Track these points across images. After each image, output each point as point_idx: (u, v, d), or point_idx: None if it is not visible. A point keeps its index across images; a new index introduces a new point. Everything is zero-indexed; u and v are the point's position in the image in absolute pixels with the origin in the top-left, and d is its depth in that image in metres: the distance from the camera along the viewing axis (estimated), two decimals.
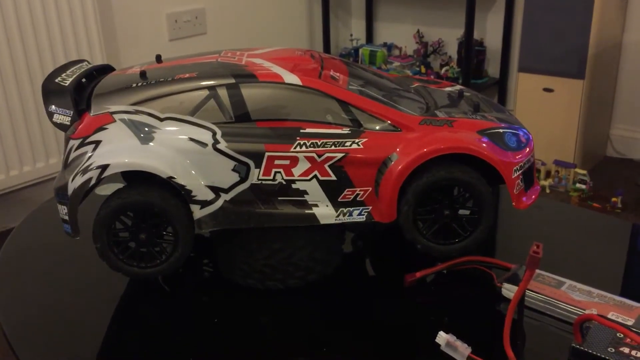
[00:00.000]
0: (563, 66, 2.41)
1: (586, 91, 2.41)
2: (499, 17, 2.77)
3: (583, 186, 2.38)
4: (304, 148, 0.72)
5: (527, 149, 0.77)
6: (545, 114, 2.50)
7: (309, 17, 3.15)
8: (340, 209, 0.75)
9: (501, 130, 0.76)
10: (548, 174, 2.51)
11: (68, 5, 2.11)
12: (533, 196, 0.78)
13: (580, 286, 0.74)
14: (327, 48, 3.13)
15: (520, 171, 0.75)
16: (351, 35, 3.26)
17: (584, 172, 2.40)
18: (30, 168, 2.15)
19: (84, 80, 0.78)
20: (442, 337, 0.64)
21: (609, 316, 0.68)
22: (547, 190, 2.44)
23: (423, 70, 2.92)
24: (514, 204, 0.76)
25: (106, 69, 0.84)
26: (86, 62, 0.84)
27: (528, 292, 0.72)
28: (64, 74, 0.78)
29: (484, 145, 0.73)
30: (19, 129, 2.09)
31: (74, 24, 2.14)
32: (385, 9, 3.16)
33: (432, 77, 2.81)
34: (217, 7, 2.70)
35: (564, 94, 2.45)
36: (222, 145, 0.72)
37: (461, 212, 0.75)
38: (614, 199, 2.30)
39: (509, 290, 0.75)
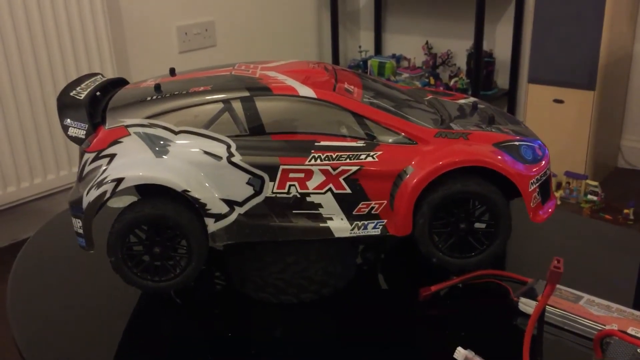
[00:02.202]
0: (573, 77, 2.40)
1: (597, 102, 2.40)
2: (508, 28, 2.77)
3: (594, 198, 2.36)
4: (318, 161, 0.72)
5: (543, 162, 0.76)
6: (555, 125, 2.49)
7: (317, 28, 3.16)
8: (355, 223, 0.75)
9: (517, 143, 0.75)
10: (559, 186, 2.50)
11: (79, 17, 2.13)
12: (550, 209, 0.77)
13: (598, 300, 0.73)
14: (335, 59, 3.13)
15: (536, 184, 0.74)
16: (360, 46, 3.26)
17: (596, 183, 2.38)
18: (40, 180, 2.16)
19: (98, 93, 0.78)
20: (460, 353, 0.63)
21: (629, 331, 0.67)
22: (559, 202, 2.42)
23: (432, 81, 2.92)
24: (530, 217, 0.75)
25: (120, 82, 0.84)
26: (100, 76, 0.84)
27: (546, 307, 0.71)
28: (79, 87, 0.78)
29: (500, 158, 0.72)
30: (30, 141, 2.10)
31: (85, 36, 2.16)
32: (394, 20, 3.17)
33: (441, 88, 2.81)
34: (227, 20, 2.71)
35: (574, 105, 2.44)
36: (237, 159, 0.72)
37: (477, 225, 0.75)
38: (625, 211, 2.28)
39: (525, 305, 0.74)
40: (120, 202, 0.77)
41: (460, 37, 2.95)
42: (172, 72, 0.82)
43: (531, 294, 0.74)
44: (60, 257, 0.91)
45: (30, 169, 2.12)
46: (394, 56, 3.12)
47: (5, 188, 2.08)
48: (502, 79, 2.87)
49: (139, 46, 2.43)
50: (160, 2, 2.45)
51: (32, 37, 2.03)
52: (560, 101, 2.47)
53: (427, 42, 3.04)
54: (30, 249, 0.95)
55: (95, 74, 0.84)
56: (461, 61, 2.95)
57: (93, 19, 2.16)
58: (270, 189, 0.73)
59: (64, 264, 0.89)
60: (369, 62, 3.03)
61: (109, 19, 2.22)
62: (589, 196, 2.37)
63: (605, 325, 0.68)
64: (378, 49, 3.23)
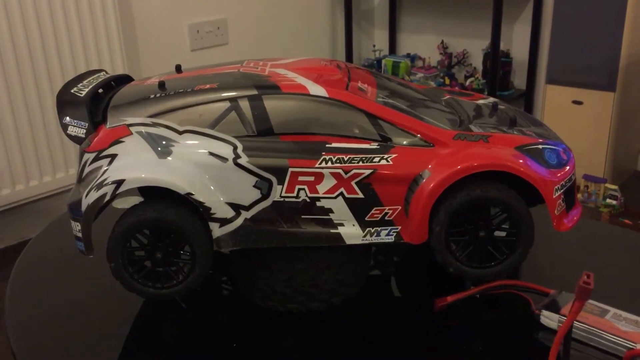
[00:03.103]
0: (593, 78, 2.34)
1: (617, 104, 2.34)
2: (526, 27, 2.71)
3: (614, 202, 2.30)
4: (329, 164, 0.68)
5: (568, 167, 0.72)
6: (574, 127, 2.44)
7: (331, 27, 3.12)
8: (368, 229, 0.71)
9: (540, 147, 0.71)
10: (577, 189, 2.44)
11: (90, 15, 2.11)
12: (575, 217, 0.73)
13: (625, 315, 0.69)
14: (349, 59, 3.10)
15: (561, 190, 0.70)
16: (374, 46, 3.22)
17: (615, 187, 2.32)
18: (50, 178, 2.14)
19: (100, 90, 0.75)
20: None
21: None
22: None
23: (447, 81, 2.87)
24: (554, 226, 0.70)
25: (125, 79, 0.81)
26: (104, 72, 0.81)
27: None
28: (80, 84, 0.75)
29: (522, 162, 0.68)
30: (39, 139, 2.08)
31: (96, 35, 2.14)
32: (409, 19, 3.13)
33: (456, 88, 2.76)
34: (239, 18, 2.68)
35: (593, 106, 2.38)
36: (243, 160, 0.68)
37: (497, 233, 0.70)
38: None
39: (548, 318, 0.69)
40: (125, 203, 0.74)
41: (476, 37, 2.90)
42: (179, 69, 0.79)
43: (553, 307, 0.70)
44: (61, 261, 0.88)
45: (39, 168, 2.11)
46: (408, 56, 3.07)
47: (14, 186, 2.07)
48: (519, 80, 2.82)
49: (150, 44, 2.40)
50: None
51: (43, 35, 2.01)
52: (579, 102, 2.41)
53: (442, 42, 2.99)
54: (32, 249, 0.92)
55: (99, 71, 0.81)
56: (477, 61, 2.90)
57: (104, 17, 2.14)
58: (278, 192, 0.69)
59: (66, 266, 0.86)
60: (383, 62, 2.98)
61: (120, 17, 2.20)
62: (608, 200, 2.31)
63: (635, 344, 0.63)
64: (392, 49, 3.19)
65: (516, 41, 2.79)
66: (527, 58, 2.74)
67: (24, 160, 2.06)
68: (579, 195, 2.39)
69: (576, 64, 2.37)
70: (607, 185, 2.34)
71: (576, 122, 2.43)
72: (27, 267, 0.87)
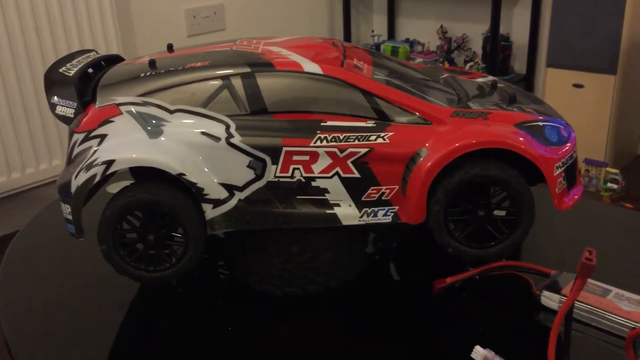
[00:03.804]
0: (594, 61, 2.32)
1: (618, 87, 2.32)
2: (526, 11, 2.68)
3: (615, 186, 2.29)
4: (324, 142, 0.66)
5: (569, 144, 0.70)
6: (574, 111, 2.42)
7: (329, 12, 3.09)
8: (364, 209, 0.69)
9: (541, 124, 0.69)
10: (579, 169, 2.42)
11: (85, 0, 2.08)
12: (576, 196, 0.71)
13: (628, 295, 0.68)
14: None
15: (562, 168, 0.68)
16: (372, 31, 3.19)
17: (616, 171, 2.31)
18: (46, 166, 2.12)
19: (90, 70, 0.73)
20: (478, 353, 0.58)
21: None
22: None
23: (446, 66, 2.84)
24: (555, 204, 0.69)
25: (115, 60, 0.79)
26: (94, 52, 0.79)
27: None
28: (69, 63, 0.73)
29: (522, 139, 0.66)
30: (34, 126, 2.07)
31: (90, 19, 2.11)
32: (408, 4, 3.09)
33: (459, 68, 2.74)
34: (236, 3, 2.65)
35: (594, 89, 2.36)
36: (237, 140, 0.66)
37: (497, 212, 0.69)
38: None
39: (548, 299, 0.68)
40: (119, 187, 0.72)
41: (475, 21, 2.87)
42: (170, 48, 0.77)
43: (554, 287, 0.69)
44: (52, 248, 0.86)
45: (35, 155, 2.09)
46: (407, 40, 3.05)
47: (10, 174, 2.05)
48: (519, 64, 2.79)
49: (146, 30, 2.37)
50: None
51: (36, 20, 1.99)
52: (580, 86, 2.39)
53: (441, 26, 2.96)
54: (22, 237, 0.90)
55: (89, 51, 0.79)
56: (477, 45, 2.87)
57: (99, 2, 2.12)
58: (272, 172, 0.67)
59: (57, 253, 0.85)
60: (382, 47, 2.96)
61: (115, 1, 2.17)
62: (609, 184, 2.30)
63: (638, 324, 0.62)
64: (391, 34, 3.16)
65: (516, 25, 2.76)
66: (527, 42, 2.71)
67: (19, 147, 2.05)
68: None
69: (577, 47, 2.34)
70: (608, 169, 2.33)
71: (577, 106, 2.41)
72: (18, 255, 0.86)
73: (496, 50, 2.55)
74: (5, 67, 1.95)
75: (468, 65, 2.79)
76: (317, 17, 3.04)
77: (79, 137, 0.68)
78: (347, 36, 3.07)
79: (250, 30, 2.74)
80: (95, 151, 0.67)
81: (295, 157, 0.67)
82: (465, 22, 2.92)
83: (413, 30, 3.11)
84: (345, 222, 0.69)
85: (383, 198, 0.69)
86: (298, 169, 0.67)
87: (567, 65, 2.39)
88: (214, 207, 0.68)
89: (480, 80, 0.82)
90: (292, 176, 0.67)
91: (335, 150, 0.67)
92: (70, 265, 0.81)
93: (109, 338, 0.67)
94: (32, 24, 1.98)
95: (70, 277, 0.79)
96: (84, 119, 0.68)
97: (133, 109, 0.67)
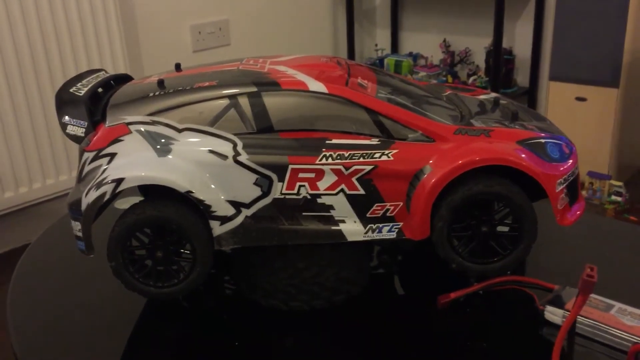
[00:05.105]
0: (596, 74, 2.33)
1: (621, 100, 2.33)
2: (528, 24, 2.70)
3: (619, 198, 2.29)
4: (330, 160, 0.68)
5: (571, 161, 0.71)
6: (578, 124, 2.43)
7: (333, 27, 3.12)
8: (369, 225, 0.70)
9: (542, 141, 0.70)
10: (582, 186, 2.43)
11: (92, 17, 2.11)
12: (578, 212, 0.72)
13: (631, 309, 0.68)
14: (351, 58, 3.09)
15: (564, 184, 0.69)
16: (376, 45, 3.22)
17: (620, 183, 2.31)
18: (53, 181, 2.14)
19: (100, 90, 0.75)
20: None
21: None
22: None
23: (450, 80, 2.86)
24: (557, 220, 0.70)
25: (124, 79, 0.81)
26: (104, 72, 0.81)
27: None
28: (79, 83, 0.74)
29: (525, 156, 0.67)
30: (42, 141, 2.08)
31: (98, 37, 2.14)
32: (411, 18, 3.12)
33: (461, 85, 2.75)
34: (241, 19, 2.68)
35: (597, 103, 2.36)
36: (243, 158, 0.68)
37: (500, 228, 0.70)
38: None
39: (552, 314, 0.69)
40: (127, 204, 0.74)
41: (478, 35, 2.89)
42: (178, 67, 0.79)
43: (558, 302, 0.69)
44: (62, 262, 0.88)
45: (42, 170, 2.11)
46: (410, 54, 3.07)
47: (17, 189, 2.07)
48: (522, 77, 2.81)
49: (152, 46, 2.40)
50: (173, 1, 2.43)
51: (44, 37, 2.02)
52: (582, 99, 2.40)
53: (444, 40, 2.98)
54: (33, 251, 0.92)
55: (99, 70, 0.81)
56: (480, 59, 2.89)
57: (106, 19, 2.14)
58: (278, 189, 0.68)
59: (67, 268, 0.86)
60: (386, 61, 2.98)
61: (121, 18, 2.20)
62: (613, 197, 2.30)
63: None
64: (395, 48, 3.18)
65: (519, 38, 2.78)
66: (529, 55, 2.73)
67: (27, 162, 2.06)
68: (584, 192, 2.38)
69: (579, 61, 2.36)
70: (612, 182, 2.33)
71: (580, 119, 2.42)
72: (29, 269, 0.87)
73: (499, 63, 2.56)
74: (13, 84, 1.98)
75: (471, 78, 2.80)
76: (320, 31, 3.07)
77: (89, 155, 0.70)
78: (351, 50, 3.09)
79: (255, 45, 2.76)
80: (105, 169, 0.69)
81: (301, 175, 0.68)
82: (468, 35, 2.94)
83: (416, 44, 3.13)
84: (350, 238, 0.70)
85: (387, 214, 0.70)
86: (304, 186, 0.68)
87: (569, 79, 2.40)
88: (221, 224, 0.69)
89: (482, 97, 0.83)
90: (298, 193, 0.69)
91: (341, 167, 0.68)
92: (80, 280, 0.83)
93: (117, 352, 0.68)
94: (40, 39, 2.01)
95: (79, 292, 0.80)
96: (94, 138, 0.70)
97: (142, 128, 0.69)
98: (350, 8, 3.01)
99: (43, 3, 1.99)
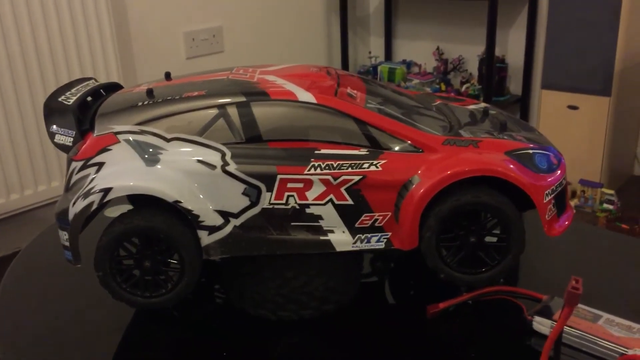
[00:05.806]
0: (588, 83, 2.34)
1: (612, 108, 2.34)
2: (521, 33, 2.72)
3: (610, 206, 2.30)
4: (318, 170, 0.68)
5: (559, 171, 0.71)
6: (569, 132, 2.44)
7: (327, 34, 3.12)
8: (358, 236, 0.70)
9: (531, 151, 0.71)
10: (574, 194, 2.43)
11: (85, 24, 2.11)
12: (566, 222, 0.72)
13: (618, 320, 0.68)
14: (345, 66, 3.10)
15: (552, 195, 0.69)
16: (370, 52, 3.23)
17: (611, 191, 2.32)
18: (45, 187, 2.13)
19: (89, 98, 0.75)
20: None
21: None
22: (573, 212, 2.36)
23: (443, 87, 2.87)
24: (545, 230, 0.70)
25: (114, 87, 0.81)
26: (93, 80, 0.81)
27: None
28: (69, 92, 0.74)
29: (513, 167, 0.67)
30: (33, 147, 2.08)
31: (90, 44, 2.13)
32: (405, 26, 3.13)
33: (452, 94, 2.76)
34: (235, 26, 2.68)
35: (589, 111, 2.38)
36: (232, 167, 0.68)
37: (488, 239, 0.70)
38: None
39: (540, 324, 0.69)
40: (118, 212, 0.74)
41: (471, 43, 2.90)
42: (168, 76, 0.79)
43: (546, 313, 0.69)
44: (52, 270, 0.87)
45: (34, 176, 2.10)
46: (404, 62, 3.08)
47: (8, 195, 2.06)
48: (514, 85, 2.82)
49: (145, 52, 2.40)
50: (166, 7, 2.43)
51: (37, 43, 2.01)
52: (574, 107, 2.41)
53: (438, 48, 2.99)
54: (22, 259, 0.91)
55: (89, 79, 0.81)
56: (473, 67, 2.90)
57: (99, 26, 2.14)
58: (267, 199, 0.68)
59: (56, 276, 0.85)
60: (379, 68, 2.99)
61: (114, 25, 2.20)
62: (605, 205, 2.31)
63: (628, 350, 0.63)
64: (388, 55, 3.19)
65: (511, 47, 2.79)
66: (522, 63, 2.74)
67: (18, 169, 2.06)
68: (576, 201, 2.39)
69: (571, 69, 2.37)
70: (604, 190, 2.34)
71: (572, 127, 2.43)
72: (18, 277, 0.86)
73: (492, 71, 2.58)
74: (5, 89, 1.97)
75: (464, 86, 2.81)
76: (315, 38, 3.07)
77: (77, 165, 0.69)
78: (345, 58, 3.10)
79: (248, 52, 2.77)
80: (92, 179, 0.68)
81: (289, 185, 0.68)
82: (461, 43, 2.95)
83: (410, 52, 3.15)
84: (339, 248, 0.70)
85: (376, 224, 0.70)
86: (292, 196, 0.68)
87: (562, 87, 2.42)
88: (209, 234, 0.69)
89: (472, 107, 0.83)
90: (286, 203, 0.69)
91: (329, 177, 0.68)
92: (68, 289, 0.82)
93: None
94: (32, 46, 2.00)
95: (67, 301, 0.80)
96: (82, 147, 0.70)
97: (130, 137, 0.69)
98: (344, 16, 3.02)
99: (36, 10, 1.99)
